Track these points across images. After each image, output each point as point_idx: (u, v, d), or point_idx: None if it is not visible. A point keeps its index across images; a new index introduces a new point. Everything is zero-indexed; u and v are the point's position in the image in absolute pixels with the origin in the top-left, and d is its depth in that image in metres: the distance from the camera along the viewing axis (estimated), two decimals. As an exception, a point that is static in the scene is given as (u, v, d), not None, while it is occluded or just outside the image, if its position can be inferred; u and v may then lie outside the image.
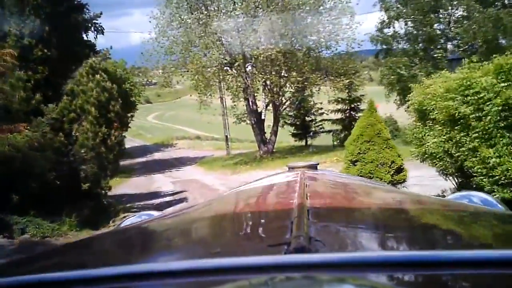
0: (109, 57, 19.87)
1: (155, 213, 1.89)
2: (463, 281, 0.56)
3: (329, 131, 24.15)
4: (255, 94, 19.66)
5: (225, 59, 18.29)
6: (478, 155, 5.13)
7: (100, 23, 18.72)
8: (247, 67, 18.80)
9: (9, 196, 6.13)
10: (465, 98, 5.20)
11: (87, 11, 17.92)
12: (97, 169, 7.77)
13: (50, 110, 7.59)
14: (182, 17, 18.19)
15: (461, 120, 5.29)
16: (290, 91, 20.32)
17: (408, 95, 7.11)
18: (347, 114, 23.79)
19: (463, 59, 7.80)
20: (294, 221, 0.75)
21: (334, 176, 2.07)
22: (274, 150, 20.21)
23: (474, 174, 5.25)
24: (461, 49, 20.67)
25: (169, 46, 18.51)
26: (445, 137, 5.62)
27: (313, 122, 25.08)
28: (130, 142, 38.27)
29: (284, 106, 20.98)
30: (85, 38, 18.13)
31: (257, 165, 17.28)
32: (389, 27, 22.44)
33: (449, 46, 21.82)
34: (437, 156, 5.86)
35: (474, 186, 5.19)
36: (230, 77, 19.02)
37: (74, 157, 7.60)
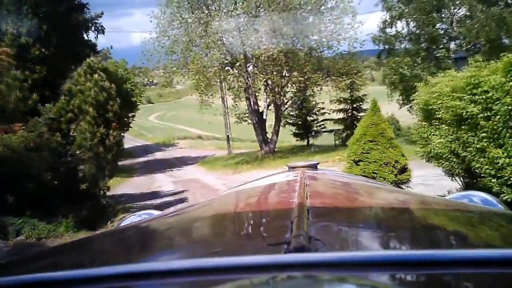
0: (109, 56, 19.80)
1: (155, 213, 1.88)
2: (463, 280, 0.56)
3: (331, 131, 24.07)
4: (257, 94, 19.59)
5: (226, 59, 18.19)
6: (486, 155, 4.98)
7: (101, 22, 18.60)
8: (248, 67, 18.71)
9: (5, 197, 6.02)
10: (473, 97, 5.05)
11: (87, 10, 17.79)
12: (95, 170, 7.63)
13: (48, 110, 7.47)
14: (183, 16, 18.09)
15: (469, 120, 5.13)
16: (292, 91, 20.25)
17: (413, 95, 6.97)
18: (349, 114, 23.79)
19: (468, 58, 7.65)
20: (294, 220, 0.75)
21: (334, 176, 2.06)
22: (275, 149, 20.16)
23: (482, 175, 5.10)
24: (464, 48, 20.56)
25: (170, 46, 18.42)
26: (451, 137, 5.47)
27: (315, 122, 25.03)
28: (132, 142, 38.59)
29: (286, 106, 20.91)
30: (86, 38, 18.01)
31: (259, 165, 17.19)
32: (391, 27, 22.38)
33: (452, 45, 21.69)
34: (443, 156, 5.70)
35: (482, 186, 5.03)
36: (232, 77, 18.96)
37: (72, 157, 7.47)
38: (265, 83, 18.91)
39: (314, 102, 23.71)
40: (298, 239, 0.63)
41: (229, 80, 19.11)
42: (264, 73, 18.00)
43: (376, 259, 0.57)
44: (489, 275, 0.56)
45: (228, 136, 24.15)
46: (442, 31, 21.83)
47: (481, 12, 18.95)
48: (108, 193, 10.43)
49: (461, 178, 6.06)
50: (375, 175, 7.61)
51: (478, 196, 1.77)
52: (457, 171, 5.74)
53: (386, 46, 22.86)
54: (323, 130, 24.85)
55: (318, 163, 1.99)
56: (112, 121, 7.90)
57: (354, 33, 18.29)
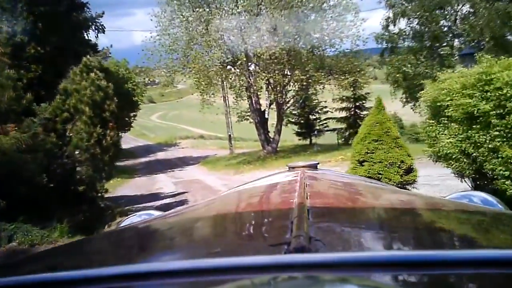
0: (109, 56, 19.60)
1: (155, 213, 1.86)
2: (463, 281, 0.56)
3: (334, 130, 23.97)
4: (258, 93, 19.46)
5: (228, 58, 18.04)
6: (499, 155, 4.73)
7: (101, 22, 18.45)
8: (250, 66, 18.58)
9: (-4, 202, 5.81)
10: (485, 94, 4.80)
11: (87, 10, 17.64)
12: (92, 171, 7.43)
13: (43, 110, 7.26)
14: (183, 14, 17.94)
15: (480, 118, 4.89)
16: (294, 90, 20.14)
17: (420, 92, 6.73)
18: (352, 112, 23.77)
19: (475, 55, 7.41)
20: (294, 220, 0.75)
21: (334, 176, 2.05)
22: (278, 149, 20.04)
23: (495, 177, 4.85)
24: (468, 46, 20.34)
25: (171, 44, 18.27)
26: (462, 136, 5.22)
27: (318, 121, 24.98)
28: (134, 141, 38.73)
29: (288, 105, 20.77)
30: (86, 37, 17.86)
31: (261, 165, 17.07)
32: (394, 25, 22.24)
33: (456, 43, 21.48)
34: (453, 156, 5.45)
35: (495, 189, 4.78)
36: (233, 75, 18.86)
37: (68, 158, 7.26)
38: (266, 82, 18.78)
39: (316, 101, 23.67)
40: (298, 240, 0.63)
41: (231, 79, 19.02)
42: (265, 71, 17.87)
43: (376, 260, 0.57)
44: (490, 276, 0.55)
45: (230, 135, 24.07)
46: (446, 28, 21.65)
47: (485, 9, 18.71)
48: (107, 195, 10.29)
49: (471, 180, 5.80)
50: (380, 175, 7.46)
51: (478, 196, 1.77)
52: (467, 172, 5.49)
53: (389, 44, 22.73)
54: (325, 129, 24.82)
55: (318, 163, 1.97)
56: (109, 121, 7.70)
57: (356, 31, 18.21)
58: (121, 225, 1.74)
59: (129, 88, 29.58)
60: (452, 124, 5.41)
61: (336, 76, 19.25)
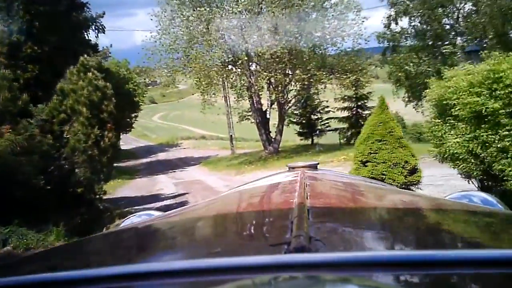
0: (109, 55, 19.47)
1: (155, 213, 1.87)
2: (463, 281, 0.56)
3: (336, 130, 23.87)
4: (260, 93, 19.35)
5: (228, 57, 17.92)
6: (509, 156, 4.56)
7: (102, 22, 18.33)
8: (251, 65, 18.46)
9: (-10, 205, 5.66)
10: (493, 93, 4.63)
11: (88, 10, 17.52)
12: (89, 173, 7.29)
13: (40, 111, 7.12)
14: (184, 14, 17.83)
15: (489, 117, 4.72)
16: (295, 89, 20.04)
17: (424, 91, 6.57)
18: (354, 112, 23.69)
19: (481, 52, 7.25)
20: (294, 220, 0.75)
21: (334, 176, 2.05)
22: (279, 149, 19.98)
23: (505, 178, 4.68)
24: (471, 44, 20.18)
25: (171, 44, 18.16)
26: (469, 135, 5.06)
27: (319, 121, 24.90)
28: (135, 142, 38.83)
29: (289, 105, 20.66)
30: (86, 37, 17.74)
31: (262, 165, 16.98)
32: (396, 23, 22.10)
33: (458, 41, 21.31)
34: (460, 157, 5.27)
35: (504, 190, 4.62)
36: (234, 75, 18.74)
37: (65, 160, 7.12)
38: (268, 81, 18.67)
39: (318, 101, 23.55)
40: (298, 239, 0.63)
41: (232, 78, 18.92)
42: (267, 71, 17.78)
43: (376, 259, 0.56)
44: (490, 275, 0.55)
45: (231, 136, 23.98)
46: (448, 27, 21.52)
47: (488, 6, 18.54)
48: (107, 196, 10.19)
49: (479, 181, 5.63)
50: (384, 176, 7.36)
51: (478, 196, 1.77)
52: (475, 173, 5.32)
53: (391, 43, 22.61)
54: (327, 128, 24.72)
55: (318, 163, 1.97)
56: (107, 121, 7.56)
57: (358, 29, 18.10)
58: (121, 225, 1.74)
59: (130, 89, 29.55)
60: (459, 123, 5.24)
61: (338, 75, 19.18)
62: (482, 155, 4.94)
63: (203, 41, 17.80)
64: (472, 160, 5.18)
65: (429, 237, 0.84)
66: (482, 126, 4.88)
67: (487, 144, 4.85)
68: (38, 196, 6.21)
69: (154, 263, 0.70)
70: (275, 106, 19.88)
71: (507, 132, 4.58)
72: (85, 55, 8.55)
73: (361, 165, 7.73)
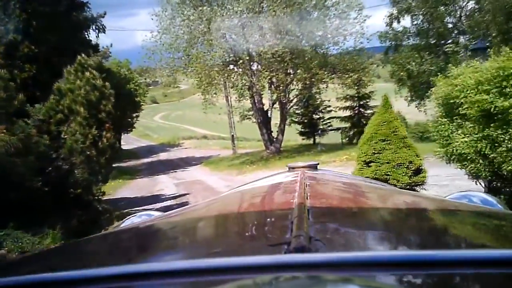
0: (109, 55, 19.35)
1: (155, 213, 1.86)
2: (463, 280, 0.56)
3: (338, 129, 23.77)
4: (261, 92, 19.25)
5: (230, 57, 17.81)
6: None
7: (102, 22, 18.21)
8: (252, 65, 18.34)
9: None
10: (503, 90, 4.46)
11: (88, 10, 17.40)
12: (87, 174, 7.15)
13: (36, 111, 6.98)
14: (185, 13, 17.71)
15: (498, 116, 4.55)
16: (297, 89, 19.94)
17: (430, 89, 6.41)
18: (356, 111, 23.57)
19: (487, 50, 7.07)
20: (294, 220, 0.75)
21: (334, 176, 2.05)
22: (281, 149, 19.89)
23: (515, 179, 4.52)
24: (474, 42, 20.03)
25: (172, 43, 18.05)
26: (477, 135, 4.89)
27: (321, 120, 24.77)
28: (137, 142, 38.87)
29: (291, 104, 20.55)
30: (87, 37, 17.63)
31: (264, 165, 16.87)
32: (398, 22, 21.99)
33: (461, 40, 21.16)
34: (468, 157, 5.11)
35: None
36: (235, 75, 18.63)
37: (63, 161, 6.99)
38: (269, 81, 18.57)
39: (320, 100, 23.43)
40: (298, 240, 0.63)
41: (233, 78, 18.81)
42: (268, 70, 17.64)
43: (376, 259, 0.57)
44: (490, 275, 0.55)
45: (232, 135, 23.88)
46: (451, 25, 21.37)
47: (490, 4, 18.37)
48: (107, 197, 10.06)
49: (487, 182, 5.46)
50: (388, 177, 7.23)
51: (478, 196, 1.77)
52: (483, 174, 5.15)
53: (393, 42, 22.49)
54: (329, 128, 24.64)
55: (318, 164, 1.97)
56: (105, 121, 7.42)
57: (360, 28, 17.96)
58: (121, 226, 1.74)
59: (131, 89, 29.52)
60: (467, 122, 5.08)
61: (340, 74, 19.06)
62: (491, 155, 4.78)
63: (204, 41, 17.71)
64: (481, 161, 5.01)
65: (429, 237, 0.84)
66: (491, 125, 4.72)
67: (496, 144, 4.69)
68: (34, 197, 6.07)
69: (154, 263, 0.70)
70: (276, 105, 19.80)
71: (517, 132, 4.43)
72: (88, 56, 8.43)
73: (365, 165, 7.60)
